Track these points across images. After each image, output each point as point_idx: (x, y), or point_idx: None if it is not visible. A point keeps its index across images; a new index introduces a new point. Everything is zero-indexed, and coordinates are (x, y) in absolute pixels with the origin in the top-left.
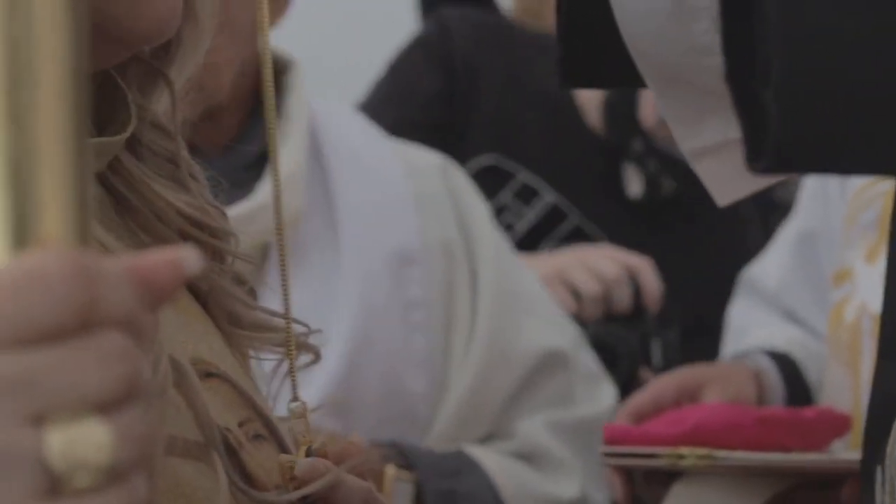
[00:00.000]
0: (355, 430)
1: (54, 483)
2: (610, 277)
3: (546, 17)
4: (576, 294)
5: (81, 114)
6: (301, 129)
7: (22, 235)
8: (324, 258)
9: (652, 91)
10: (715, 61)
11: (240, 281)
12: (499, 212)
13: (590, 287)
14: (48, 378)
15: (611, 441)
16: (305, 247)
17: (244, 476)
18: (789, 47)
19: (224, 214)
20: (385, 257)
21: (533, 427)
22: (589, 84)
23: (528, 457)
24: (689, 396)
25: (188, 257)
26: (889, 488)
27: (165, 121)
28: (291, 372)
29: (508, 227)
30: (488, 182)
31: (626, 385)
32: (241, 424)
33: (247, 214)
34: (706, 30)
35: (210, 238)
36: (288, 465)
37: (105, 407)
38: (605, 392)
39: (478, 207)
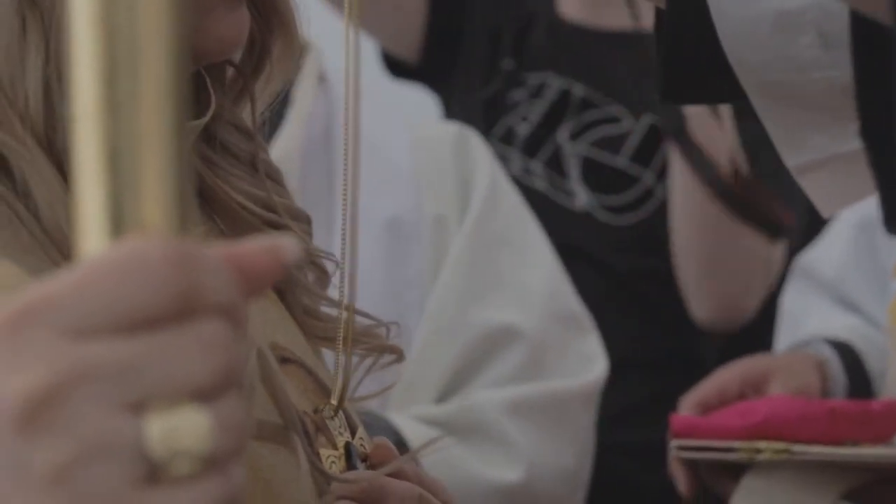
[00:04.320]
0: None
1: (153, 470)
2: None
3: None
4: None
5: (181, 102)
6: (301, 116)
7: (121, 222)
8: (317, 237)
9: (754, 106)
10: (820, 75)
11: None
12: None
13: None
14: (148, 365)
15: (679, 433)
16: None
17: (318, 460)
18: None
19: (305, 218)
20: (377, 234)
21: (484, 402)
22: (691, 101)
23: (465, 430)
24: (753, 387)
25: (286, 245)
26: None
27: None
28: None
29: (524, 119)
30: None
31: None
32: (315, 411)
33: None
34: (810, 44)
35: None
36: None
37: (204, 395)
38: (593, 366)
39: (483, 180)
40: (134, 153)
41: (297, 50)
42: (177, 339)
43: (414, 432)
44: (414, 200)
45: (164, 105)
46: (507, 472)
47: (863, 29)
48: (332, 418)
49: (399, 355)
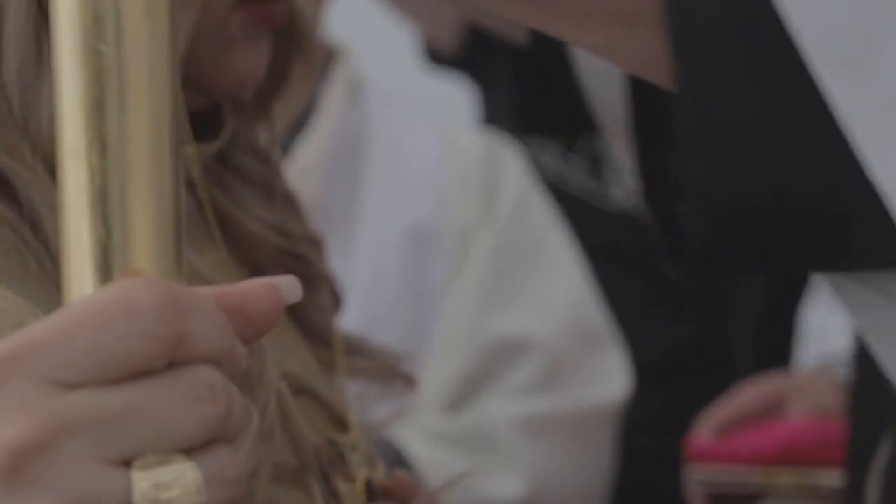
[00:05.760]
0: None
1: None
2: None
3: None
4: None
5: (174, 139)
6: (328, 124)
7: (108, 266)
8: (337, 246)
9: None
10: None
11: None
12: None
13: None
14: (135, 417)
15: (696, 457)
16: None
17: (335, 498)
18: (704, 158)
19: (319, 243)
20: (400, 239)
21: (495, 418)
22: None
23: (474, 446)
24: (770, 408)
25: (288, 284)
26: None
27: (261, 145)
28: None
29: None
30: None
31: None
32: (331, 443)
33: None
34: None
35: (298, 264)
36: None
37: (195, 448)
38: (612, 382)
39: (511, 192)
40: (123, 192)
41: (316, 73)
42: (165, 389)
43: (421, 455)
44: (440, 208)
45: (154, 142)
46: (510, 488)
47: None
48: (351, 451)
49: (411, 384)
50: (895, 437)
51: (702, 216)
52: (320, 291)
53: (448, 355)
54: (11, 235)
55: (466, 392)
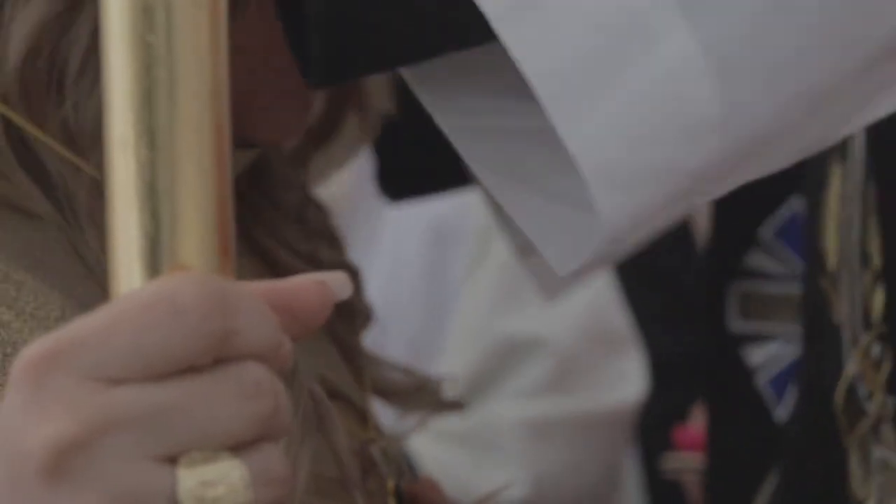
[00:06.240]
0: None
1: None
2: None
3: None
4: None
5: (223, 132)
6: None
7: (156, 260)
8: (360, 237)
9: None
10: None
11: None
12: None
13: None
14: (181, 414)
15: (690, 446)
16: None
17: None
18: None
19: (353, 272)
20: (421, 236)
21: (502, 419)
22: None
23: (479, 446)
24: None
25: (337, 280)
26: None
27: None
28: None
29: None
30: None
31: None
32: (362, 450)
33: None
34: None
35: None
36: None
37: (241, 445)
38: (627, 385)
39: None
40: (171, 185)
41: (374, 130)
42: (212, 385)
43: (425, 452)
44: (461, 205)
45: (203, 135)
46: (512, 490)
47: None
48: (381, 457)
49: (459, 407)
50: (782, 472)
51: (318, 22)
52: (352, 320)
53: (460, 353)
54: (56, 233)
55: (475, 391)
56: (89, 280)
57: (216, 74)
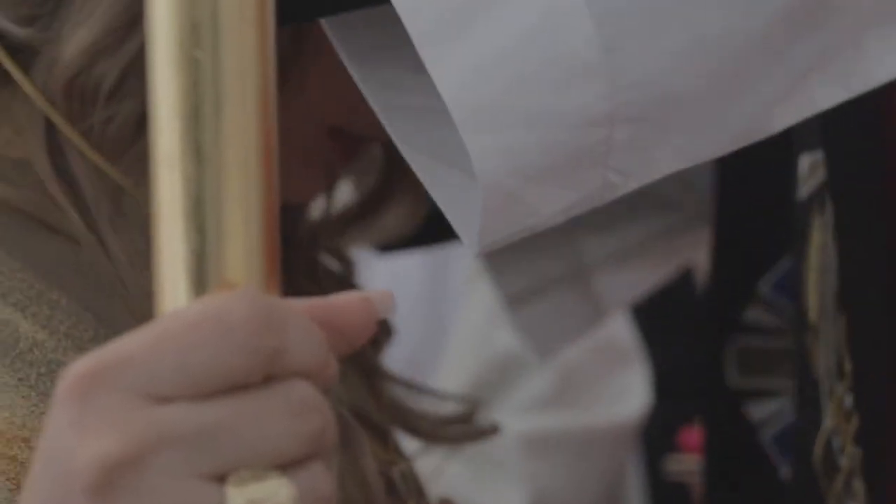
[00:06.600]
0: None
1: None
2: None
3: None
4: None
5: (270, 148)
6: None
7: (203, 277)
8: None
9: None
10: None
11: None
12: None
13: None
14: (230, 432)
15: (684, 448)
16: None
17: None
18: None
19: (388, 331)
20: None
21: (501, 428)
22: None
23: (475, 459)
24: None
25: (381, 298)
26: None
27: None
28: None
29: None
30: None
31: None
32: (384, 469)
33: None
34: None
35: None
36: None
37: (291, 464)
38: (629, 400)
39: None
40: (218, 202)
41: (420, 214)
42: (261, 403)
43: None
44: None
45: (250, 151)
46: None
47: None
48: (402, 480)
49: (492, 432)
50: None
51: None
52: (373, 340)
53: (459, 365)
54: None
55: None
56: (113, 299)
57: (264, 89)
